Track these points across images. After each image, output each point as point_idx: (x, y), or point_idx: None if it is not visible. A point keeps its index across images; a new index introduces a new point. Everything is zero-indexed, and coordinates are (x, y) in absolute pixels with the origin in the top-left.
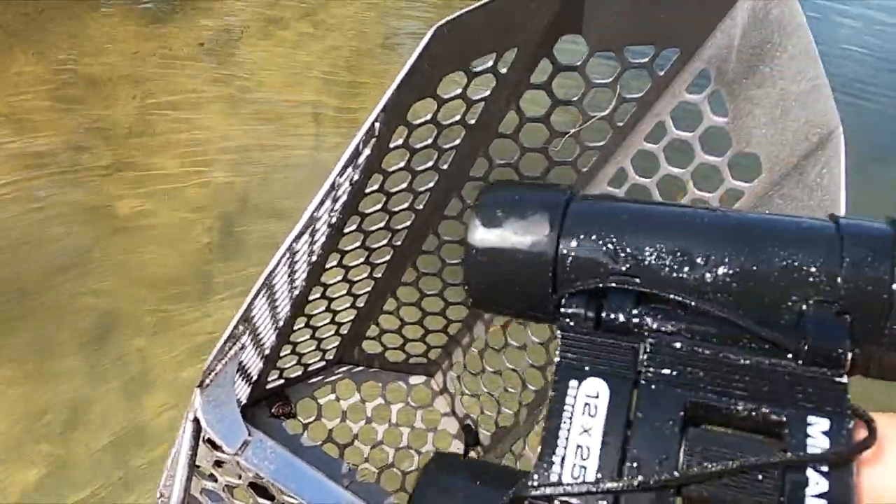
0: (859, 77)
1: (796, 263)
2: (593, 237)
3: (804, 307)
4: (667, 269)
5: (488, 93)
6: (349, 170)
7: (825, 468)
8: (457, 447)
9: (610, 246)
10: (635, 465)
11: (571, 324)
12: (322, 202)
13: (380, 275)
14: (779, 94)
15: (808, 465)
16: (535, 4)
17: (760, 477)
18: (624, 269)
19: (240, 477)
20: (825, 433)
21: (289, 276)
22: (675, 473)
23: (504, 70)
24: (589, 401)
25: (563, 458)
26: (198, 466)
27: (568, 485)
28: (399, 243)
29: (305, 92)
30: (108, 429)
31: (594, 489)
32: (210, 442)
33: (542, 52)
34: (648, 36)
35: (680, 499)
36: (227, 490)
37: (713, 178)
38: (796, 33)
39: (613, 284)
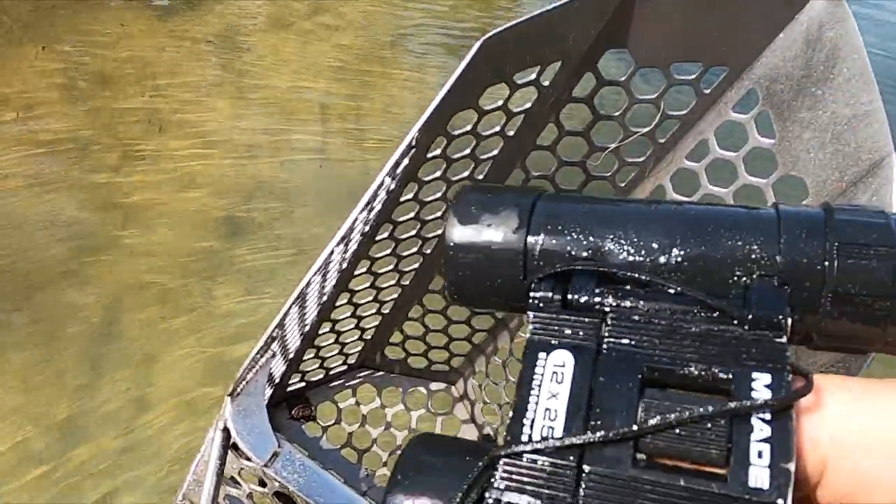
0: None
1: (741, 244)
2: (559, 228)
3: (749, 281)
4: (625, 253)
5: (529, 105)
6: (387, 179)
7: (767, 416)
8: None
9: (574, 236)
10: (598, 422)
11: (541, 305)
12: (361, 212)
13: (407, 282)
14: (830, 117)
15: (752, 413)
16: (583, 18)
17: (710, 426)
18: (585, 255)
19: (264, 485)
20: (767, 386)
21: (321, 283)
22: (634, 427)
23: (546, 83)
24: (556, 369)
25: (532, 421)
26: (225, 475)
27: (537, 442)
28: (429, 252)
29: (314, 86)
30: (113, 422)
31: (560, 444)
32: (236, 448)
33: (586, 65)
34: (696, 53)
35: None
36: (250, 498)
37: (756, 199)
38: (852, 56)
39: (578, 268)
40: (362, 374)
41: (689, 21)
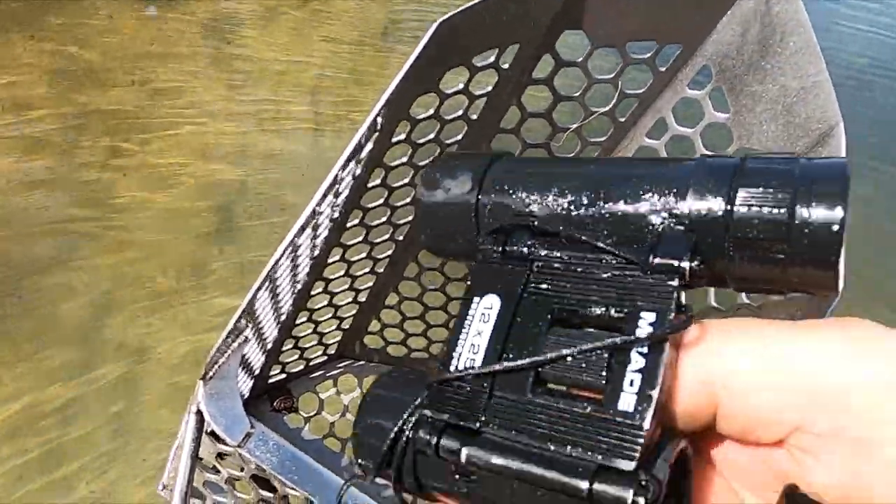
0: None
1: (657, 195)
2: (505, 189)
3: (661, 229)
4: (557, 209)
5: (490, 88)
6: (351, 164)
7: (644, 349)
8: None
9: (516, 195)
10: (510, 355)
11: (486, 257)
12: (324, 196)
13: (382, 269)
14: (780, 90)
15: (633, 347)
16: (539, 1)
17: (594, 357)
18: (525, 211)
19: (242, 469)
20: (650, 324)
21: (291, 270)
22: (536, 358)
23: (506, 66)
24: (485, 311)
25: (460, 355)
26: (200, 459)
27: (460, 372)
28: (401, 238)
29: (306, 79)
30: (104, 416)
31: (476, 373)
32: (213, 434)
33: (544, 47)
34: (650, 32)
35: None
36: (230, 482)
37: None
38: (798, 30)
39: (517, 223)
40: (342, 364)
41: (642, 1)
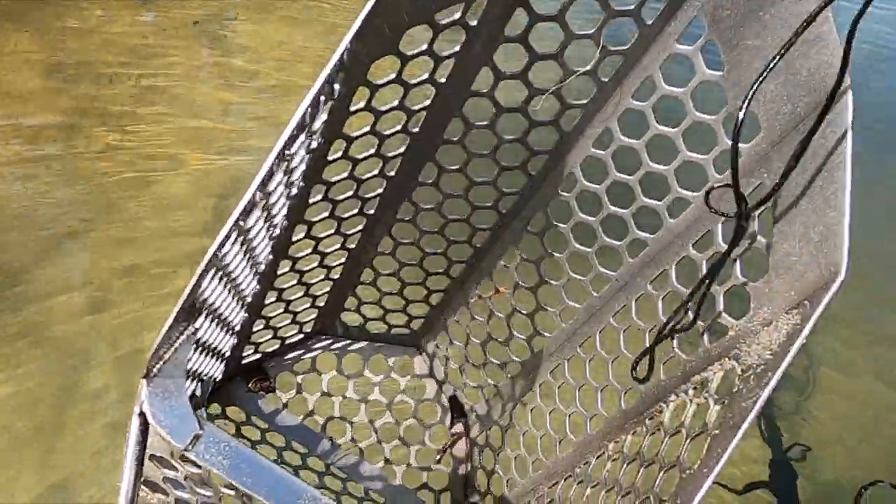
0: None
1: None
2: None
3: None
4: None
5: (458, 48)
6: (302, 137)
7: None
8: (443, 419)
9: None
10: None
11: None
12: (271, 174)
13: (353, 245)
14: (779, 43)
15: None
16: None
17: None
18: None
19: (200, 467)
20: None
21: (246, 252)
22: None
23: (474, 22)
24: None
25: None
26: (157, 456)
27: None
28: (372, 212)
29: (301, 71)
30: (101, 411)
31: None
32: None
33: (516, 0)
34: None
35: None
36: (189, 479)
37: (708, 138)
38: None
39: None
40: (320, 341)
41: None
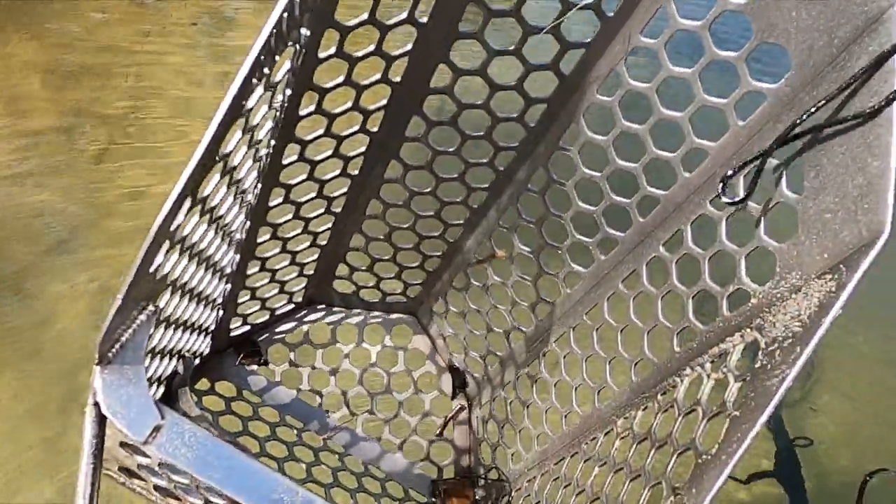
0: None
1: None
2: None
3: None
4: None
5: None
6: (260, 89)
7: None
8: (443, 389)
9: None
10: None
11: None
12: (221, 135)
13: (339, 209)
14: None
15: None
16: None
17: None
18: None
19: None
20: None
21: (212, 221)
22: None
23: None
24: None
25: None
26: (128, 444)
27: None
28: (356, 173)
29: None
30: None
31: None
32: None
33: None
34: None
35: None
36: (163, 466)
37: (729, 78)
38: None
39: None
40: (313, 313)
41: None
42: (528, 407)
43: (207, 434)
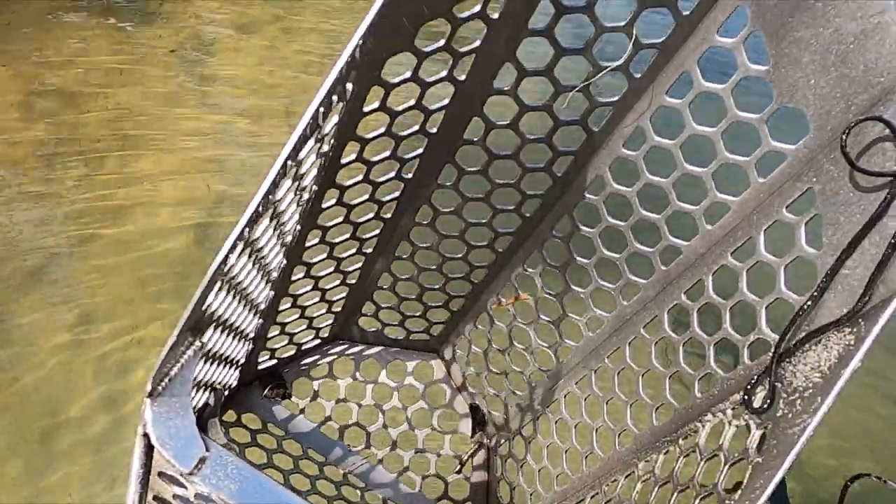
0: None
1: None
2: None
3: None
4: None
5: (478, 43)
6: (312, 141)
7: None
8: (463, 427)
9: None
10: None
11: None
12: (278, 182)
13: (370, 250)
14: (833, 35)
15: None
16: None
17: None
18: None
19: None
20: None
21: (256, 261)
22: None
23: (495, 15)
24: None
25: None
26: (165, 474)
27: None
28: (388, 216)
29: (279, 94)
30: (104, 408)
31: None
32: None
33: None
34: None
35: None
36: (199, 497)
37: (750, 139)
38: None
39: None
40: (337, 347)
41: None
42: (547, 447)
43: (250, 467)
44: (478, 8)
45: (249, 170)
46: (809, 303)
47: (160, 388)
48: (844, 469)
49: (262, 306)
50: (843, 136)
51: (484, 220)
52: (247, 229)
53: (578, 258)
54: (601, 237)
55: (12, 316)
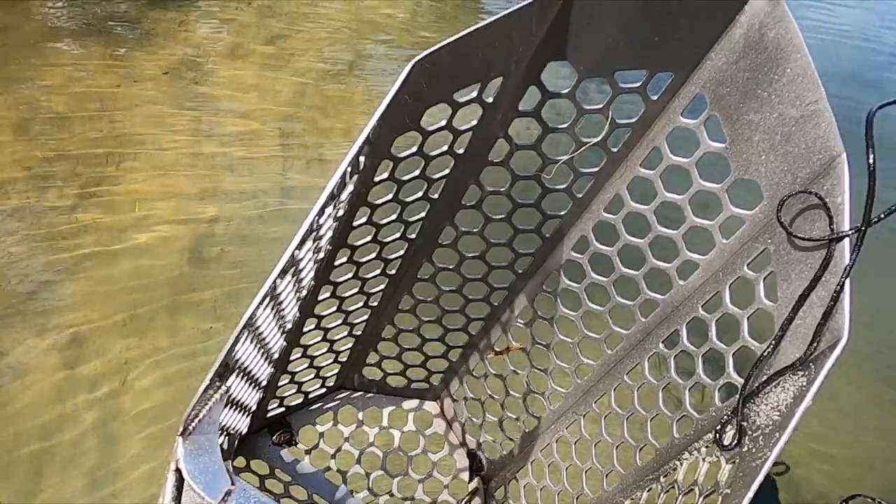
0: None
1: None
2: None
3: None
4: None
5: (475, 122)
6: (330, 208)
7: None
8: (460, 472)
9: None
10: None
11: None
12: (303, 242)
13: (376, 303)
14: (777, 119)
15: None
16: (516, 34)
17: None
18: None
19: None
20: None
21: (275, 313)
22: None
23: (490, 99)
24: None
25: None
26: None
27: None
28: (393, 272)
29: (273, 115)
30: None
31: None
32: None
33: (529, 79)
34: (640, 60)
35: None
36: None
37: (713, 205)
38: (794, 55)
39: None
40: (342, 395)
41: (627, 29)
42: (541, 490)
43: (270, 499)
44: (474, 94)
45: (242, 195)
46: (769, 349)
47: (191, 427)
48: (838, 490)
49: (276, 356)
50: (779, 209)
51: (480, 276)
52: (275, 284)
53: (566, 311)
54: (587, 291)
55: (2, 340)
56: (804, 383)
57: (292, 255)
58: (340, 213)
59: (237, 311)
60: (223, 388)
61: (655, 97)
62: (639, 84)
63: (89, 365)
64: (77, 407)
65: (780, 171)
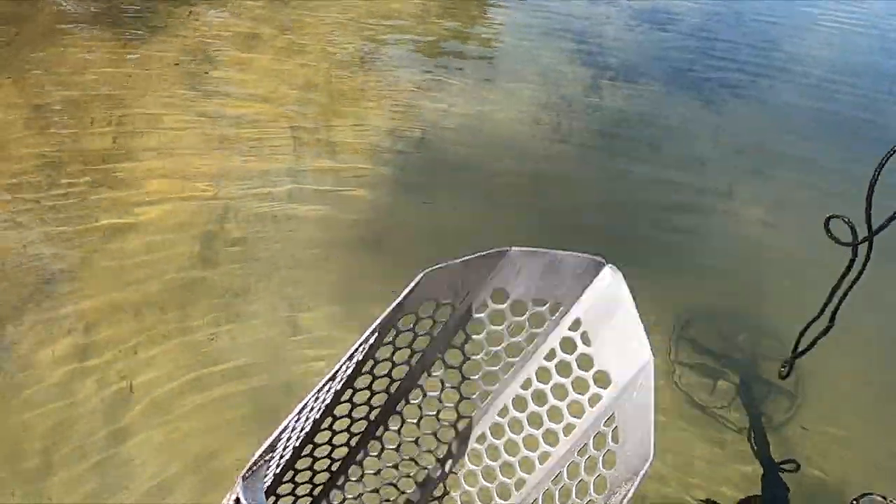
0: None
1: None
2: None
3: None
4: None
5: (446, 319)
6: (350, 362)
7: None
8: None
9: None
10: None
11: None
12: (326, 385)
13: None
14: (620, 334)
15: None
16: (473, 275)
17: None
18: None
19: None
20: None
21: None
22: None
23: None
24: None
25: None
26: None
27: None
28: (373, 418)
29: (283, 107)
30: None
31: None
32: None
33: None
34: (546, 294)
35: None
36: None
37: (581, 386)
38: (624, 304)
39: None
40: None
41: (539, 277)
42: None
43: None
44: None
45: (252, 187)
46: (613, 472)
47: (249, 473)
48: (850, 489)
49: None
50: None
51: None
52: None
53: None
54: None
55: (16, 331)
56: (626, 489)
57: (317, 392)
58: (350, 371)
59: (243, 308)
60: (276, 453)
61: (553, 317)
62: (546, 308)
63: (100, 355)
64: (87, 397)
65: (622, 365)
